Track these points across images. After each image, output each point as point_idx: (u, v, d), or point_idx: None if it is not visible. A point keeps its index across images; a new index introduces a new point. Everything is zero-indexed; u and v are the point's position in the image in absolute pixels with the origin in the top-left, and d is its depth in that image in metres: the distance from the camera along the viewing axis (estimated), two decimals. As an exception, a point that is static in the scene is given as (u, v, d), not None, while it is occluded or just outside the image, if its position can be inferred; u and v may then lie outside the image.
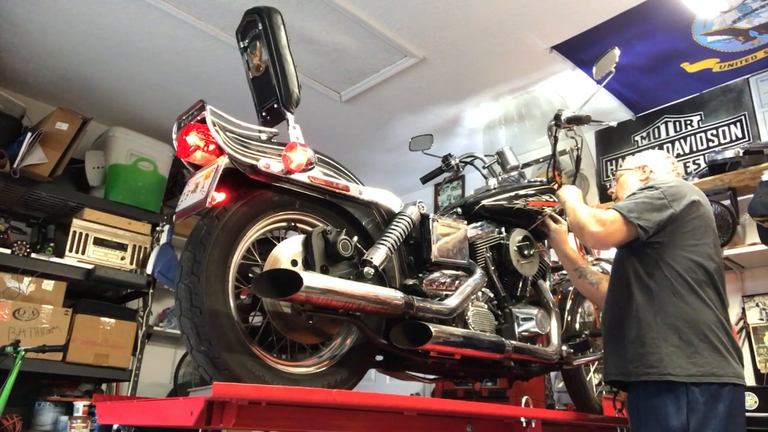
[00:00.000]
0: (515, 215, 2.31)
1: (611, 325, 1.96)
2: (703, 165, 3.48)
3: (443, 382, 3.49)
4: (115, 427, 2.07)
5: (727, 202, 3.15)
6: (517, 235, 2.26)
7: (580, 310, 2.68)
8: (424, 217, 1.97)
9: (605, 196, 3.97)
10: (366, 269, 1.71)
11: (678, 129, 3.77)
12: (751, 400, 2.59)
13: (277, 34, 1.77)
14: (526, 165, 2.68)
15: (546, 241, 2.48)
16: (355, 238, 1.76)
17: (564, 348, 2.27)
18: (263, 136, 1.69)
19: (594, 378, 2.70)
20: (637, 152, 2.34)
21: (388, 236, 1.81)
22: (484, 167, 2.60)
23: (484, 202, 2.27)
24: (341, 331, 1.80)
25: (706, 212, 1.93)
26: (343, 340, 1.79)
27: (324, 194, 1.77)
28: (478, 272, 2.05)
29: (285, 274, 1.51)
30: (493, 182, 2.51)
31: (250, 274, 1.68)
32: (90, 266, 3.63)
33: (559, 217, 2.39)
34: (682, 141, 3.75)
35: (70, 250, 3.61)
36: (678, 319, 1.78)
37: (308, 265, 1.67)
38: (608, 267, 2.62)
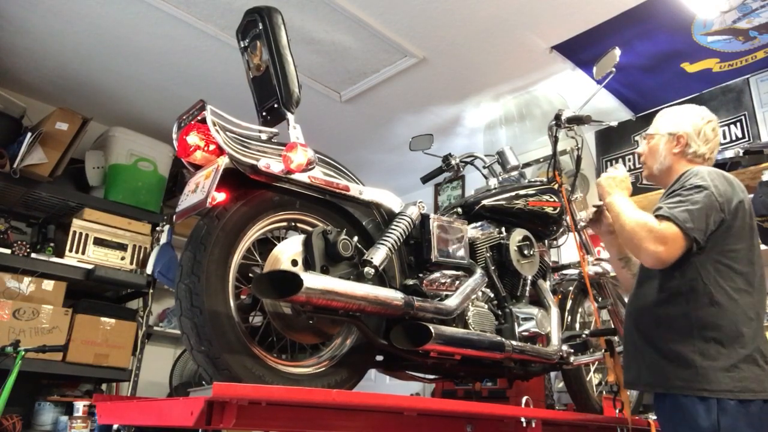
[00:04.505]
0: (515, 215, 2.31)
1: (638, 331, 1.82)
2: (703, 165, 3.47)
3: (443, 382, 3.49)
4: (115, 427, 2.08)
5: (727, 202, 3.14)
6: (517, 235, 2.26)
7: (580, 310, 2.67)
8: (424, 217, 1.97)
9: (605, 196, 3.96)
10: (366, 269, 1.70)
11: (678, 129, 3.77)
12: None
13: (277, 34, 1.77)
14: (527, 165, 2.68)
15: (596, 227, 2.26)
16: (356, 238, 1.76)
17: (564, 348, 2.27)
18: (263, 136, 1.69)
19: (594, 378, 2.70)
20: (674, 106, 2.04)
21: (388, 236, 1.81)
22: (484, 167, 2.59)
23: (485, 202, 2.27)
24: (341, 332, 1.80)
25: (749, 210, 1.75)
26: (343, 341, 1.79)
27: (324, 194, 1.76)
28: (479, 272, 2.05)
29: (285, 275, 1.50)
30: (493, 182, 2.51)
31: (250, 274, 1.68)
32: (90, 266, 3.63)
33: None
34: (682, 141, 3.75)
35: (70, 250, 3.61)
36: (716, 332, 1.65)
37: (308, 265, 1.67)
38: (609, 267, 2.62)
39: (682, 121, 1.92)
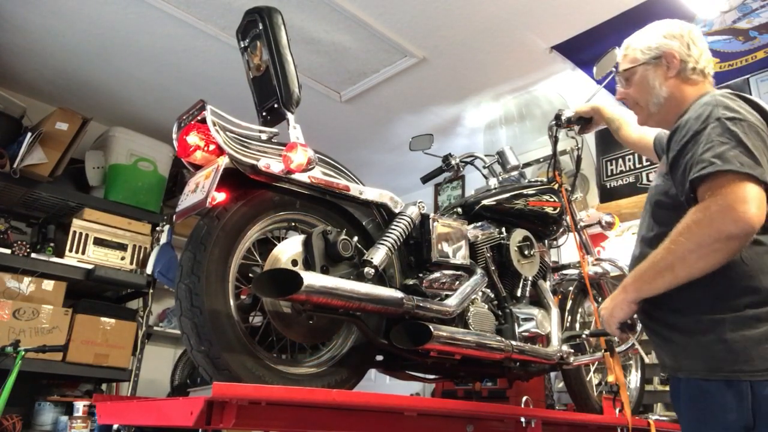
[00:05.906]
0: (516, 215, 2.31)
1: (642, 311, 1.48)
2: (703, 165, 3.46)
3: (443, 382, 3.49)
4: (115, 427, 2.08)
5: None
6: (518, 236, 2.26)
7: (580, 310, 2.68)
8: (424, 217, 1.97)
9: (605, 196, 3.97)
10: (366, 269, 1.70)
11: (678, 129, 3.77)
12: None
13: (277, 34, 1.77)
14: (527, 165, 2.68)
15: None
16: (356, 238, 1.76)
17: (564, 348, 2.27)
18: (263, 136, 1.69)
19: (594, 378, 2.70)
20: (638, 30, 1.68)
21: (388, 236, 1.81)
22: (484, 167, 2.60)
23: (485, 202, 2.27)
24: (341, 332, 1.80)
25: None
26: (343, 341, 1.79)
27: (324, 194, 1.77)
28: (479, 272, 2.05)
29: (285, 274, 1.51)
30: (493, 182, 2.51)
31: (250, 274, 1.68)
32: (90, 266, 3.63)
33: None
34: (682, 141, 3.74)
35: (70, 250, 3.61)
36: (748, 296, 1.31)
37: (308, 265, 1.67)
38: (609, 267, 2.62)
39: (663, 39, 1.59)
